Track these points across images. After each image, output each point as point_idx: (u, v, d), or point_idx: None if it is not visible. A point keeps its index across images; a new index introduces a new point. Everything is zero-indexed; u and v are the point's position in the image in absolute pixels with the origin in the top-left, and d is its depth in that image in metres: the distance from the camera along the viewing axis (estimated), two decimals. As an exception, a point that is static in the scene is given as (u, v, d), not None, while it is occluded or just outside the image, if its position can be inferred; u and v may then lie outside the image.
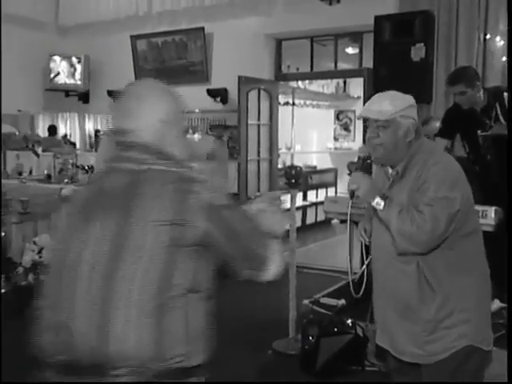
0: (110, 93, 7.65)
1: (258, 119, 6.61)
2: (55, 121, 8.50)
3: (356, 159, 2.24)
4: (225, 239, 1.40)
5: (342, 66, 7.20)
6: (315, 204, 9.25)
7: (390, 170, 2.15)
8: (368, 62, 5.98)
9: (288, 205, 2.03)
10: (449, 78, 3.98)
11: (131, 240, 1.30)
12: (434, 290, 2.02)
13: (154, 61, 7.49)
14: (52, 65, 8.18)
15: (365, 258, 2.50)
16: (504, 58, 5.13)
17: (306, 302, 4.15)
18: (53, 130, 8.14)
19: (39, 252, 4.71)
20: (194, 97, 6.98)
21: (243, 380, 3.53)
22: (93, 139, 8.16)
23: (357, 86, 10.35)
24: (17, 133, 7.96)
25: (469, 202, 2.08)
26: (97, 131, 7.90)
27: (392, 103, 2.07)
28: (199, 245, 1.35)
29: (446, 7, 5.38)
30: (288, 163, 9.96)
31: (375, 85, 5.19)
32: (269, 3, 6.53)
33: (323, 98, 11.00)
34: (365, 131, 5.35)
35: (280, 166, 7.90)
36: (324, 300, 3.97)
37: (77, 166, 6.04)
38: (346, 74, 8.19)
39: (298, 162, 9.57)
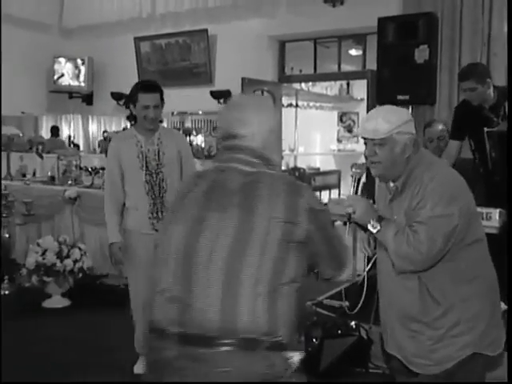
0: (114, 95, 7.67)
1: (262, 121, 6.61)
2: (59, 122, 8.52)
3: (352, 176, 2.23)
4: (321, 240, 1.61)
5: (346, 67, 7.20)
6: (318, 206, 9.23)
7: (392, 184, 2.14)
8: (371, 64, 5.98)
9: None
10: (460, 74, 3.97)
11: (252, 233, 1.49)
12: (438, 302, 2.02)
13: (157, 63, 7.50)
14: (56, 66, 8.20)
15: (365, 262, 2.49)
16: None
17: (309, 303, 4.14)
18: (55, 130, 8.15)
19: (43, 254, 4.71)
20: (198, 98, 7.01)
21: (245, 381, 3.52)
22: (97, 140, 8.16)
23: (360, 88, 10.34)
24: (20, 134, 7.98)
25: (469, 212, 2.06)
26: (104, 132, 7.90)
27: (387, 120, 2.04)
28: (302, 242, 1.55)
29: (449, 9, 5.36)
30: (291, 165, 9.96)
31: (379, 87, 5.19)
32: (272, 5, 6.54)
33: (326, 99, 11.00)
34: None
35: (283, 167, 7.90)
36: (327, 302, 3.96)
37: (80, 168, 6.04)
38: (349, 76, 8.19)
39: (301, 164, 9.59)
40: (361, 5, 5.82)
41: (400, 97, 4.78)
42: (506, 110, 3.78)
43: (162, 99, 3.27)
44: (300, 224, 1.53)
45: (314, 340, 3.41)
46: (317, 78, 7.70)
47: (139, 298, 3.31)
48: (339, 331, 3.43)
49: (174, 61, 7.37)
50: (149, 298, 1.57)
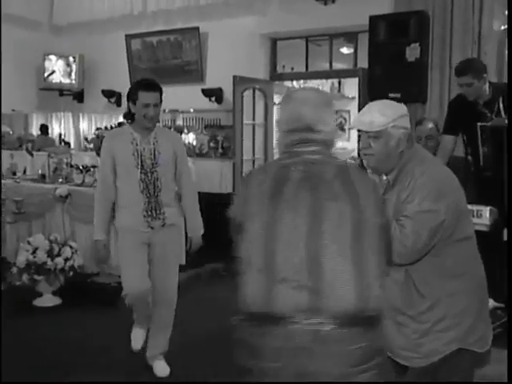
0: (105, 92, 7.64)
1: (253, 119, 6.61)
2: (49, 120, 8.47)
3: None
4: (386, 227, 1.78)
5: (337, 65, 7.21)
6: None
7: (384, 177, 2.16)
8: (363, 62, 5.99)
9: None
10: (456, 69, 3.99)
11: (363, 217, 1.62)
12: (424, 296, 2.03)
13: (148, 60, 7.47)
14: (47, 64, 8.15)
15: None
16: (498, 58, 5.15)
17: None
18: (44, 129, 8.11)
19: (33, 252, 4.69)
20: (189, 96, 7.00)
21: (238, 380, 3.52)
22: (89, 138, 8.11)
23: (351, 87, 10.34)
24: (10, 132, 7.93)
25: (459, 209, 2.07)
26: (98, 129, 7.83)
27: (383, 114, 2.06)
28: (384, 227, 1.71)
29: (440, 7, 5.38)
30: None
31: (370, 85, 5.20)
32: (264, 3, 6.53)
33: (318, 97, 10.99)
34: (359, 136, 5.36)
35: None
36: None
37: (71, 166, 6.01)
38: (340, 74, 8.18)
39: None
40: (352, 3, 5.82)
41: (391, 95, 4.79)
42: (500, 106, 3.80)
43: (161, 98, 3.27)
44: (375, 208, 1.69)
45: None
46: (308, 75, 7.69)
47: (133, 296, 3.32)
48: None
49: (166, 58, 7.34)
50: (254, 289, 1.60)
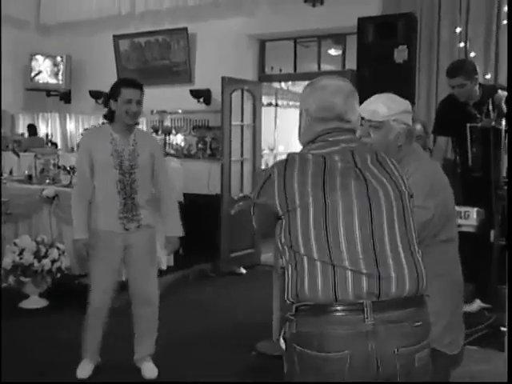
0: (92, 93, 7.59)
1: (242, 120, 6.60)
2: (36, 121, 8.41)
3: None
4: None
5: (325, 67, 7.22)
6: (298, 205, 9.25)
7: None
8: (351, 64, 6.01)
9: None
10: (448, 71, 4.02)
11: (402, 198, 1.68)
12: None
13: (136, 61, 7.44)
14: (33, 64, 8.08)
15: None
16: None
17: (289, 303, 4.14)
18: (32, 129, 8.04)
19: (20, 253, 4.65)
20: (177, 97, 6.98)
21: (226, 381, 3.52)
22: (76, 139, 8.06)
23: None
24: (-3, 133, 7.85)
25: (447, 210, 2.11)
26: (86, 129, 7.77)
27: (387, 106, 2.12)
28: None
29: (428, 10, 5.42)
30: (270, 164, 9.97)
31: (358, 86, 5.17)
32: (252, 4, 6.53)
33: (306, 99, 11.00)
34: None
35: (263, 166, 7.90)
36: (308, 301, 3.97)
37: (58, 167, 5.97)
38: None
39: (280, 163, 9.60)
40: (340, 5, 5.84)
41: (379, 96, 4.81)
42: (490, 108, 3.84)
43: (142, 96, 3.28)
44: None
45: (282, 342, 3.40)
46: (297, 77, 7.71)
47: (101, 299, 3.31)
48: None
49: (154, 59, 7.32)
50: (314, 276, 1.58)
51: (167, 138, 7.36)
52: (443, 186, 2.13)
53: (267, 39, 6.97)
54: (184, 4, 6.86)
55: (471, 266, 4.28)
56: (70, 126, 8.45)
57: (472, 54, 5.21)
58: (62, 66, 8.14)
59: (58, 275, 4.75)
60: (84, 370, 3.43)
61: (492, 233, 3.79)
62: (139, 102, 3.24)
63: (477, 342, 3.74)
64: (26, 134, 8.02)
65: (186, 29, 6.89)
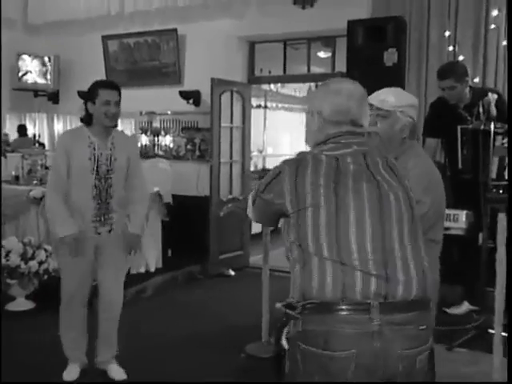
0: (81, 93, 7.54)
1: (231, 122, 6.59)
2: (23, 121, 8.34)
3: None
4: None
5: (315, 70, 7.23)
6: (287, 207, 9.26)
7: None
8: (340, 66, 6.02)
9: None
10: (439, 73, 4.04)
11: (410, 200, 1.72)
12: None
13: (125, 62, 7.40)
14: (20, 63, 8.01)
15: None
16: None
17: (278, 305, 4.13)
18: (22, 129, 7.98)
19: (6, 255, 4.60)
20: (166, 98, 6.96)
21: (215, 382, 3.51)
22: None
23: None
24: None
25: (441, 207, 2.17)
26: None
27: (397, 97, 2.21)
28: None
29: (417, 13, 5.44)
30: (260, 166, 9.98)
31: (348, 89, 5.22)
32: (242, 6, 6.52)
33: (295, 101, 11.05)
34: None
35: (252, 168, 7.89)
36: (297, 303, 3.96)
37: (46, 168, 5.92)
38: (319, 78, 8.17)
39: (269, 165, 9.61)
40: (330, 7, 5.85)
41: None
42: (480, 110, 3.86)
43: (120, 98, 3.24)
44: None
45: (284, 342, 3.40)
46: (287, 79, 7.72)
47: (73, 300, 3.29)
48: (309, 332, 3.43)
49: (143, 60, 7.28)
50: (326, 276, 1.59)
51: (156, 139, 7.34)
52: (439, 183, 2.19)
53: (257, 41, 6.96)
54: (174, 5, 6.84)
55: (460, 268, 4.32)
56: (58, 126, 8.39)
57: (461, 58, 5.25)
58: (50, 66, 8.08)
59: (45, 277, 4.71)
60: (70, 373, 3.40)
61: (480, 235, 3.81)
62: (117, 104, 3.20)
63: (465, 344, 3.76)
64: (16, 135, 7.96)
65: (175, 30, 6.87)
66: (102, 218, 3.26)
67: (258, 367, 3.68)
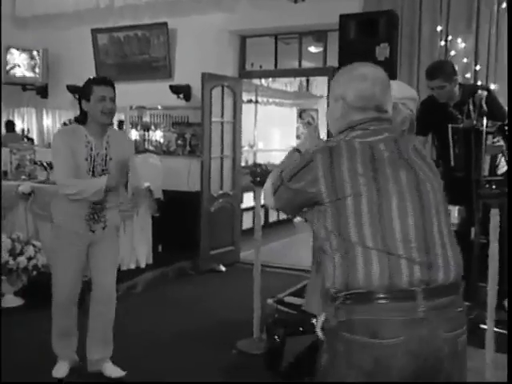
0: (70, 88, 7.47)
1: (222, 116, 6.55)
2: (11, 115, 8.25)
3: None
4: None
5: (306, 64, 7.20)
6: (278, 202, 9.25)
7: None
8: (332, 61, 5.99)
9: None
10: (428, 72, 4.02)
11: (440, 187, 1.74)
12: None
13: (115, 55, 7.33)
14: (8, 57, 7.92)
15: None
16: (465, 60, 5.22)
17: (270, 301, 4.13)
18: (10, 125, 7.90)
19: (-5, 251, 4.55)
20: (157, 93, 6.90)
21: (207, 380, 3.49)
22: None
23: (319, 85, 10.39)
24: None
25: None
26: (64, 124, 7.62)
27: (398, 89, 2.21)
28: None
29: (409, 7, 5.43)
30: (250, 161, 9.96)
31: (340, 84, 5.20)
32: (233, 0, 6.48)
33: (286, 96, 11.03)
34: (328, 131, 5.37)
35: (243, 163, 7.86)
36: (288, 299, 3.96)
37: (35, 163, 5.86)
38: (310, 73, 8.20)
39: (260, 160, 9.58)
40: (322, 1, 5.82)
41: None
42: (470, 108, 3.86)
43: (115, 94, 3.18)
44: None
45: (276, 337, 3.38)
46: (278, 73, 7.69)
47: (64, 296, 3.25)
48: (301, 329, 3.42)
49: (133, 54, 7.21)
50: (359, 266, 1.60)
51: (146, 134, 7.28)
52: None
53: (248, 35, 6.92)
54: (164, -2, 6.79)
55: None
56: (47, 121, 8.30)
57: (452, 53, 5.24)
58: (38, 60, 7.99)
59: (34, 273, 4.66)
60: (59, 370, 3.36)
61: (472, 230, 3.81)
62: (113, 100, 3.14)
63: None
64: (4, 131, 7.87)
65: (165, 24, 6.81)
66: (96, 217, 3.22)
67: (250, 364, 3.67)
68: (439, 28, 5.29)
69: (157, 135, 7.26)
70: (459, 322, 1.66)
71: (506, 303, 4.00)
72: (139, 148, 7.11)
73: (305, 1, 6.03)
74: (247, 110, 8.75)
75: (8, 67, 7.92)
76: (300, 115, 11.35)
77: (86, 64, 7.31)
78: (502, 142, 3.75)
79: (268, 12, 6.23)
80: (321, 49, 6.84)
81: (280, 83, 10.47)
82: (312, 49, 7.66)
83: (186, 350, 3.93)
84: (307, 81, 10.65)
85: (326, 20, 5.77)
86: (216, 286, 5.70)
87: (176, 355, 3.84)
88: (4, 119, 8.02)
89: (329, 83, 6.16)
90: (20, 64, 7.97)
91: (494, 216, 3.06)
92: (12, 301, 4.66)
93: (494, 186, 3.04)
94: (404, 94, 2.19)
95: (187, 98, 6.83)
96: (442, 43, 5.29)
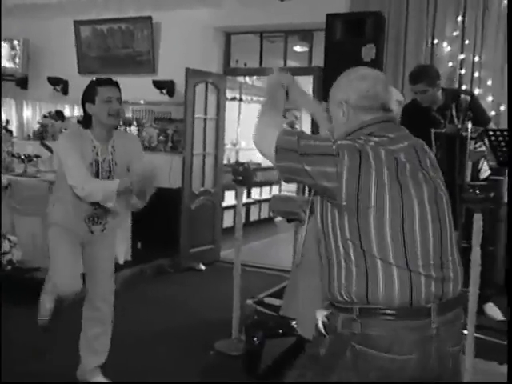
0: (51, 79, 7.35)
1: (205, 113, 6.48)
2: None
3: None
4: None
5: (291, 63, 7.17)
6: (259, 201, 9.23)
7: None
8: (317, 61, 5.97)
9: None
10: (411, 77, 4.01)
11: (446, 194, 1.73)
12: None
13: (98, 48, 7.22)
14: (-12, 47, 7.75)
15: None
16: (450, 64, 5.23)
17: (249, 302, 4.08)
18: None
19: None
20: (140, 88, 6.80)
21: (184, 381, 3.43)
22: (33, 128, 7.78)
23: (303, 85, 10.35)
24: None
25: None
26: (45, 116, 7.47)
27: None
28: None
29: (396, 10, 5.42)
30: (233, 159, 9.90)
31: (325, 83, 5.17)
32: (219, -5, 6.43)
33: (270, 94, 10.95)
34: (313, 131, 5.34)
35: (225, 162, 7.81)
36: (268, 300, 3.91)
37: (13, 155, 5.75)
38: (295, 72, 8.03)
39: (242, 159, 9.53)
40: (308, 0, 5.79)
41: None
42: (453, 113, 3.86)
43: (121, 95, 3.03)
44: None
45: (255, 339, 3.35)
46: (263, 71, 7.62)
47: (66, 287, 3.13)
48: (280, 331, 3.38)
49: (116, 47, 7.11)
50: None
51: (128, 129, 7.18)
52: None
53: (233, 32, 6.86)
54: (149, -9, 6.70)
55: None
56: (27, 112, 8.15)
57: (437, 56, 5.25)
58: (19, 50, 7.83)
59: (9, 268, 4.56)
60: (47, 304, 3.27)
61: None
62: (119, 100, 2.98)
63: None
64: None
65: (150, 17, 6.72)
66: (97, 219, 3.12)
67: (227, 365, 3.63)
68: (425, 31, 5.30)
69: (138, 130, 7.16)
70: (460, 335, 1.72)
71: (485, 308, 4.02)
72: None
73: (291, -1, 5.99)
74: (231, 108, 8.68)
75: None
76: (284, 115, 11.32)
77: (68, 56, 7.19)
78: (483, 148, 3.75)
79: (254, 9, 6.18)
80: (306, 48, 6.82)
81: (264, 82, 10.42)
82: (297, 48, 7.63)
83: (163, 349, 3.87)
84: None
85: (312, 19, 5.74)
86: (195, 285, 5.64)
87: (152, 355, 3.77)
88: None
89: (314, 83, 6.14)
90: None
91: (477, 221, 3.05)
92: (-15, 296, 4.55)
93: (477, 191, 3.03)
94: (393, 96, 2.16)
95: (170, 93, 6.76)
96: (428, 46, 5.29)
